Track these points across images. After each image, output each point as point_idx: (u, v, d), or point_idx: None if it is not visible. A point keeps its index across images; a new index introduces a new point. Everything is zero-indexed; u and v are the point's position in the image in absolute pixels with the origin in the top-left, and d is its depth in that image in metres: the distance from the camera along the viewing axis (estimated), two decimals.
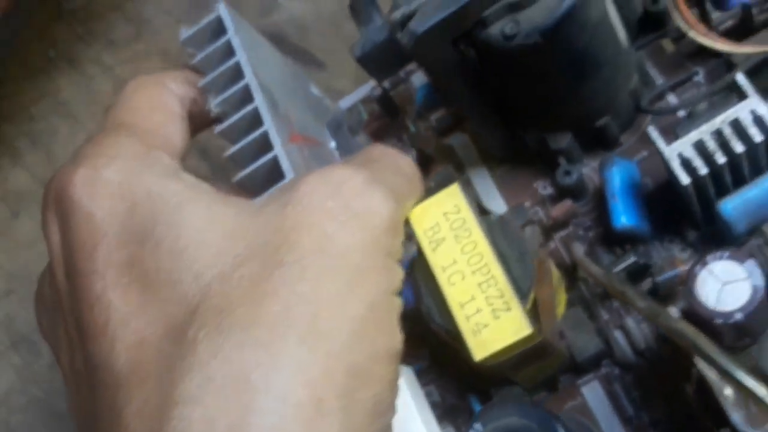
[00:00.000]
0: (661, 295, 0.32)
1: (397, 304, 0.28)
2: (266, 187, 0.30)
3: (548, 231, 0.35)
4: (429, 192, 0.32)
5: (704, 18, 0.33)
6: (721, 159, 0.29)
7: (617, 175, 0.33)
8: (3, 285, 0.46)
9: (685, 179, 0.30)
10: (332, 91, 0.44)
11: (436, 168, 0.38)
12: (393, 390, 0.27)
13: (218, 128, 0.31)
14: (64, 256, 0.28)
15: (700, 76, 0.35)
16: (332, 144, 0.36)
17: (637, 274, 0.33)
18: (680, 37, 0.35)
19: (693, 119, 0.30)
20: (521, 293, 0.29)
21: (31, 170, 0.54)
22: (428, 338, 0.33)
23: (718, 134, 0.29)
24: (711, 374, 0.28)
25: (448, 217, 0.30)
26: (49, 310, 0.29)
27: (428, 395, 0.35)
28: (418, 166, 0.32)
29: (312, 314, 0.25)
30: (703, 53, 0.35)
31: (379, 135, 0.39)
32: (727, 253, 0.28)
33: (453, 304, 0.29)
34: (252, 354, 0.24)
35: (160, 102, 0.31)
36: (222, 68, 0.31)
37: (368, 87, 0.40)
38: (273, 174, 0.29)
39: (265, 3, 0.50)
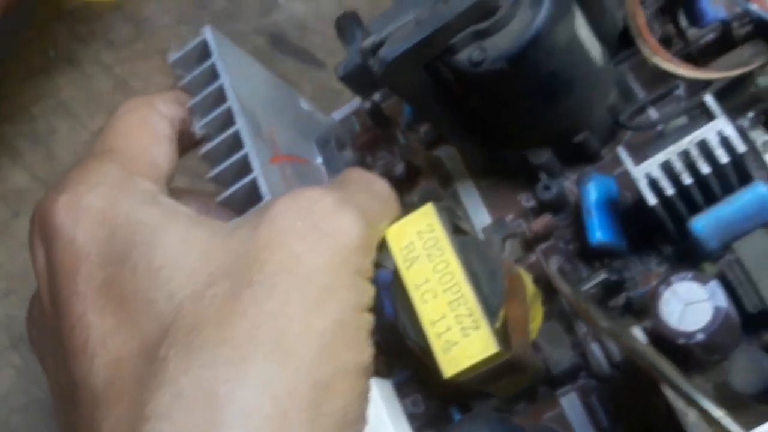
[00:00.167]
0: (635, 309, 0.33)
1: (366, 321, 0.29)
2: (247, 207, 0.31)
3: (530, 244, 0.36)
4: (413, 206, 0.33)
5: (680, 35, 0.34)
6: (687, 180, 0.30)
7: (593, 191, 0.33)
8: (3, 285, 0.46)
9: (652, 200, 0.30)
10: (331, 91, 0.44)
11: (424, 181, 0.39)
12: (361, 403, 0.28)
13: (202, 150, 0.32)
14: (48, 279, 0.29)
15: (680, 90, 0.35)
16: (319, 160, 0.36)
17: (612, 289, 0.33)
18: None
19: (662, 139, 0.31)
20: (491, 312, 0.30)
21: (31, 170, 0.55)
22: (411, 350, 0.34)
23: (686, 155, 0.30)
24: (673, 396, 0.28)
25: (422, 236, 0.31)
26: (38, 331, 0.31)
27: (413, 405, 0.36)
28: (396, 186, 0.33)
29: (279, 331, 0.26)
30: (713, 71, 0.35)
31: (370, 147, 0.40)
32: (690, 274, 0.29)
33: (425, 321, 0.30)
34: (220, 371, 0.26)
35: (148, 125, 0.32)
36: (206, 91, 0.32)
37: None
38: (252, 195, 0.31)
39: (265, 3, 0.50)
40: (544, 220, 0.35)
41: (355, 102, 0.41)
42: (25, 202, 0.55)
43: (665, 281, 0.29)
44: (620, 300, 0.33)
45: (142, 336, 0.27)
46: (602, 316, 0.29)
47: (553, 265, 0.33)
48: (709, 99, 0.30)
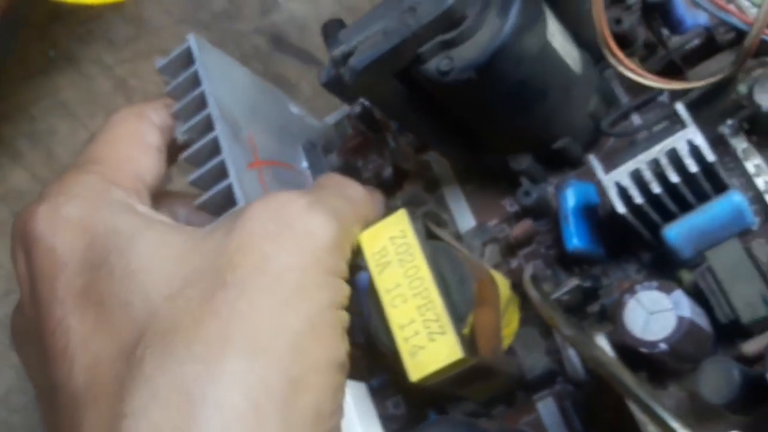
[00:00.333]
0: (609, 317, 0.33)
1: (340, 318, 0.30)
2: (223, 211, 0.31)
3: (512, 249, 0.36)
4: (395, 210, 0.33)
5: (660, 42, 0.34)
6: (656, 189, 0.30)
7: (571, 197, 0.34)
8: (3, 285, 0.47)
9: (621, 208, 0.30)
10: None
11: (409, 185, 0.39)
12: (335, 397, 0.29)
13: (183, 155, 0.33)
14: (29, 285, 0.30)
15: (664, 96, 0.35)
16: (304, 164, 0.37)
17: (589, 295, 0.33)
18: (647, 56, 0.36)
19: (632, 147, 0.31)
20: (458, 317, 0.30)
21: (31, 170, 0.55)
22: None
23: (655, 164, 0.30)
24: (634, 406, 0.28)
25: (394, 242, 0.31)
26: (21, 337, 0.32)
27: (394, 406, 0.36)
28: (383, 189, 0.34)
29: (251, 330, 0.27)
30: (669, 73, 0.35)
31: (360, 150, 0.40)
32: (655, 284, 0.29)
33: (394, 325, 0.31)
34: (194, 369, 0.26)
35: (136, 135, 0.34)
36: (189, 98, 0.33)
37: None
38: (228, 200, 0.31)
39: (265, 3, 0.49)
40: (524, 226, 0.35)
41: (347, 106, 0.42)
42: (25, 202, 0.54)
43: (630, 290, 0.29)
44: (596, 307, 0.33)
45: (120, 338, 0.28)
46: (566, 323, 0.29)
47: (528, 271, 0.33)
48: (679, 107, 0.30)
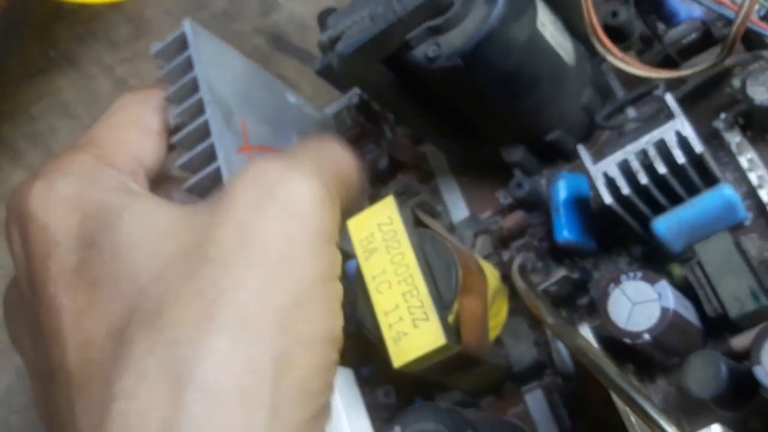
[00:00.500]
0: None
1: (331, 291, 0.28)
2: (211, 195, 0.31)
3: (504, 240, 0.36)
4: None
5: (654, 35, 0.33)
6: (643, 179, 0.29)
7: (562, 190, 0.33)
8: (3, 285, 0.47)
9: (607, 198, 0.30)
10: (332, 91, 0.45)
11: (404, 175, 0.39)
12: (324, 374, 0.28)
13: (174, 138, 0.33)
14: (25, 264, 0.30)
15: (659, 90, 0.35)
16: None
17: (577, 287, 0.33)
18: (644, 50, 0.35)
19: (621, 138, 0.30)
20: (443, 304, 0.30)
21: (32, 170, 0.55)
22: None
23: (644, 154, 0.30)
24: (616, 397, 0.28)
25: (381, 228, 0.31)
26: (15, 316, 0.32)
27: (385, 395, 0.36)
28: (378, 179, 0.33)
29: (235, 308, 0.27)
30: (665, 66, 0.35)
31: (357, 141, 0.40)
32: (640, 274, 0.29)
33: (379, 311, 0.30)
34: (179, 350, 0.26)
35: (137, 119, 0.33)
36: (182, 82, 0.33)
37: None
38: (216, 183, 0.31)
39: (265, 3, 0.50)
40: (516, 218, 0.35)
41: (347, 97, 0.42)
42: None
43: (615, 280, 0.29)
44: (585, 300, 0.33)
45: (110, 318, 0.28)
46: (550, 312, 0.29)
47: (517, 261, 0.33)
48: (668, 97, 0.30)
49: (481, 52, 0.29)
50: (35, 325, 0.30)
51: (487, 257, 0.35)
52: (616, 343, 0.29)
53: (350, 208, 0.32)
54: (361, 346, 0.36)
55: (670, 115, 0.30)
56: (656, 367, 0.31)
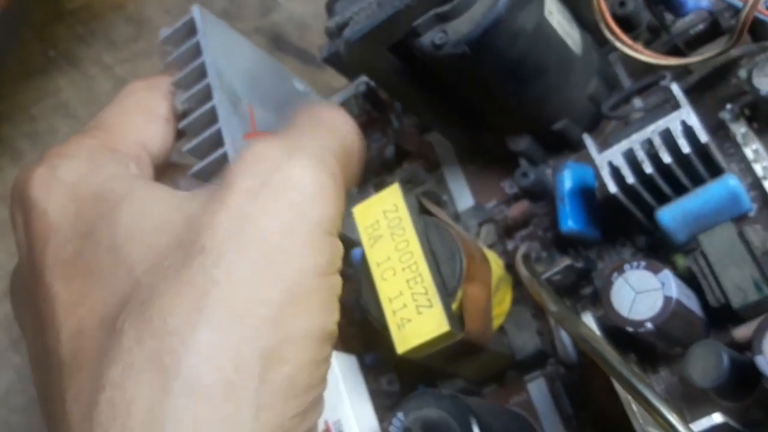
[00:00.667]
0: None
1: (328, 284, 0.27)
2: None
3: (509, 230, 0.36)
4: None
5: (662, 25, 0.33)
6: (648, 169, 0.30)
7: (568, 179, 0.33)
8: (3, 285, 0.47)
9: (612, 187, 0.30)
10: (332, 90, 0.45)
11: (410, 163, 0.39)
12: (313, 370, 0.27)
13: (182, 123, 0.33)
14: (27, 250, 0.30)
15: (667, 81, 0.35)
16: None
17: (581, 277, 0.33)
18: (651, 39, 0.35)
19: (627, 128, 0.30)
20: (447, 292, 0.30)
21: None
22: None
23: (649, 144, 0.30)
24: (617, 385, 0.28)
25: (386, 215, 0.32)
26: (18, 301, 0.32)
27: (389, 383, 0.36)
28: (383, 167, 0.33)
29: (225, 300, 0.26)
30: (672, 57, 0.35)
31: (364, 129, 0.40)
32: (643, 263, 0.29)
33: (383, 298, 0.31)
34: (167, 342, 0.26)
35: (146, 105, 0.33)
36: (190, 68, 0.33)
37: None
38: (222, 168, 0.31)
39: (265, 3, 0.49)
40: (521, 207, 0.35)
41: (354, 86, 0.42)
42: None
43: (618, 268, 0.29)
44: (589, 289, 0.33)
45: (103, 309, 0.28)
46: (553, 300, 0.29)
47: (522, 249, 0.33)
48: (674, 87, 0.30)
49: (488, 39, 0.29)
50: (34, 310, 0.30)
51: (491, 246, 0.35)
52: (619, 333, 0.29)
53: (352, 178, 0.31)
54: (365, 332, 0.37)
55: (676, 106, 0.30)
56: (659, 357, 0.31)
